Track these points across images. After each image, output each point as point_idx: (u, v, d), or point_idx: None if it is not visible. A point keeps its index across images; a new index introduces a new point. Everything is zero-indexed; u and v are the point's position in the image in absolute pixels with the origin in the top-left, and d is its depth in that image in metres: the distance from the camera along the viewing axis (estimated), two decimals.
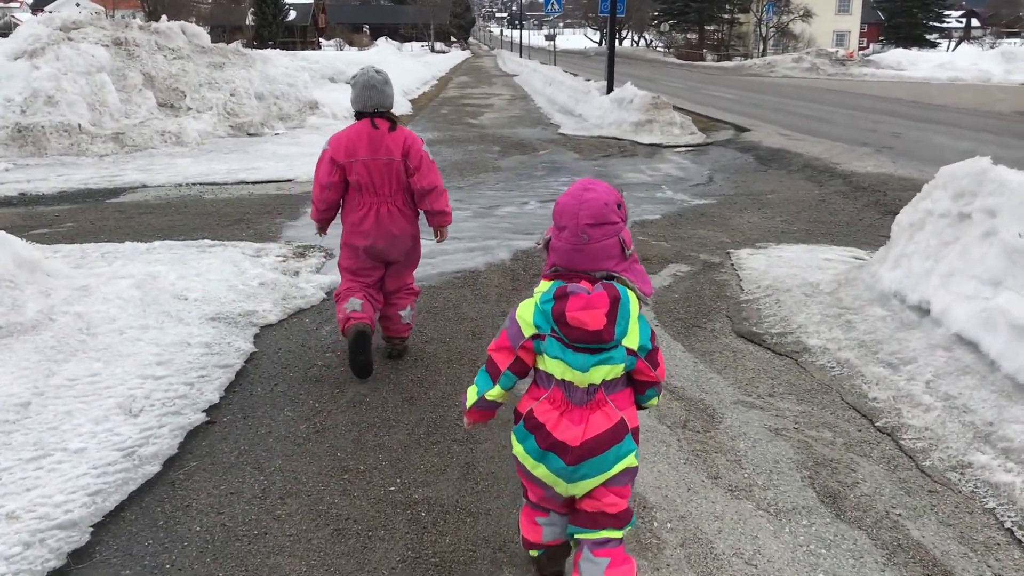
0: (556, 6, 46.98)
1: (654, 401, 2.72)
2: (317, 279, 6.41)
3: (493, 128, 18.66)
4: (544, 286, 2.59)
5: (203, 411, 4.21)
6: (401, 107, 22.09)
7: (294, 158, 12.88)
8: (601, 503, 2.62)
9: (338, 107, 18.09)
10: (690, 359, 5.13)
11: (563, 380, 2.55)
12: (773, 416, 4.33)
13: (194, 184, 11.02)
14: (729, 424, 4.24)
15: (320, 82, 22.55)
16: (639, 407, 2.71)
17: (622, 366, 2.54)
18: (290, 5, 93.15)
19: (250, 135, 15.52)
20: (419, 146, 4.66)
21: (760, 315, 5.86)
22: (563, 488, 2.62)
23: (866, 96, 29.42)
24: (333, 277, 6.49)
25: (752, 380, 4.81)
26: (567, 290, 2.49)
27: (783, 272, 6.81)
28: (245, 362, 4.89)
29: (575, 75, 31.88)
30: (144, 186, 10.88)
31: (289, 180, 11.37)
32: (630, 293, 2.56)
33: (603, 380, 2.54)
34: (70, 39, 14.23)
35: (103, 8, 75.07)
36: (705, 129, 17.77)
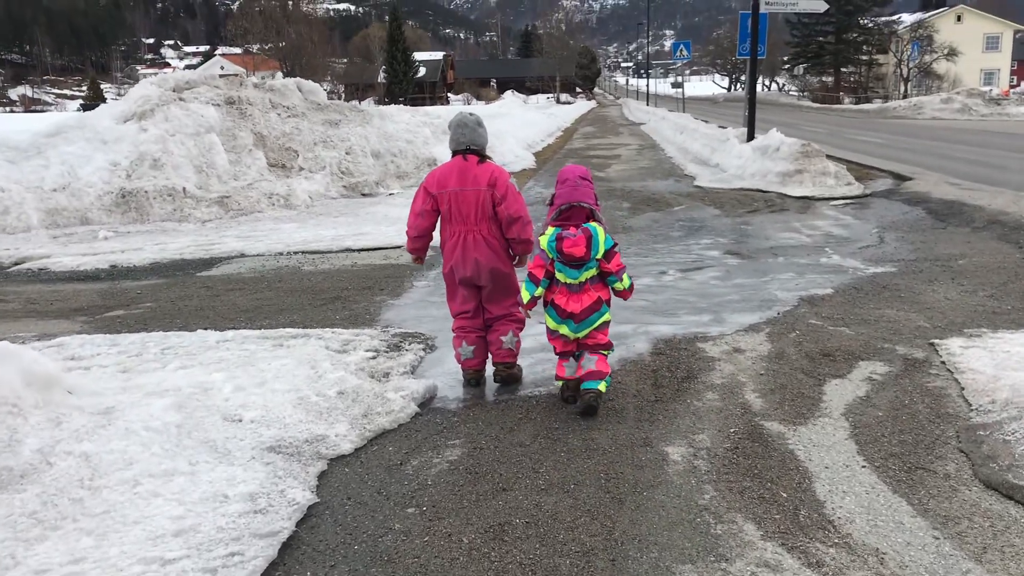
0: (685, 52, 45.63)
1: (618, 284, 4.81)
2: (410, 386, 5.09)
3: (621, 181, 17.26)
4: (550, 231, 4.67)
5: None
6: (524, 161, 21.00)
7: (406, 221, 11.77)
8: (595, 339, 4.80)
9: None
10: (925, 531, 3.50)
11: (566, 282, 4.72)
12: None
13: (295, 253, 10.03)
14: None
15: (441, 137, 21.69)
16: (613, 289, 4.84)
17: (595, 269, 4.71)
18: (420, 62, 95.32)
19: (364, 195, 14.63)
20: (505, 178, 5.06)
21: (1012, 450, 4.17)
22: (574, 336, 4.77)
23: None
24: (429, 382, 5.20)
25: None
26: (562, 235, 4.61)
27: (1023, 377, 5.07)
28: (297, 525, 3.58)
29: (706, 122, 30.20)
30: (242, 255, 9.96)
31: (398, 247, 10.22)
32: (599, 228, 4.66)
33: (587, 279, 4.70)
34: (181, 99, 13.72)
35: (244, 70, 78.40)
36: (859, 178, 15.83)
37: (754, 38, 17.19)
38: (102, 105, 14.17)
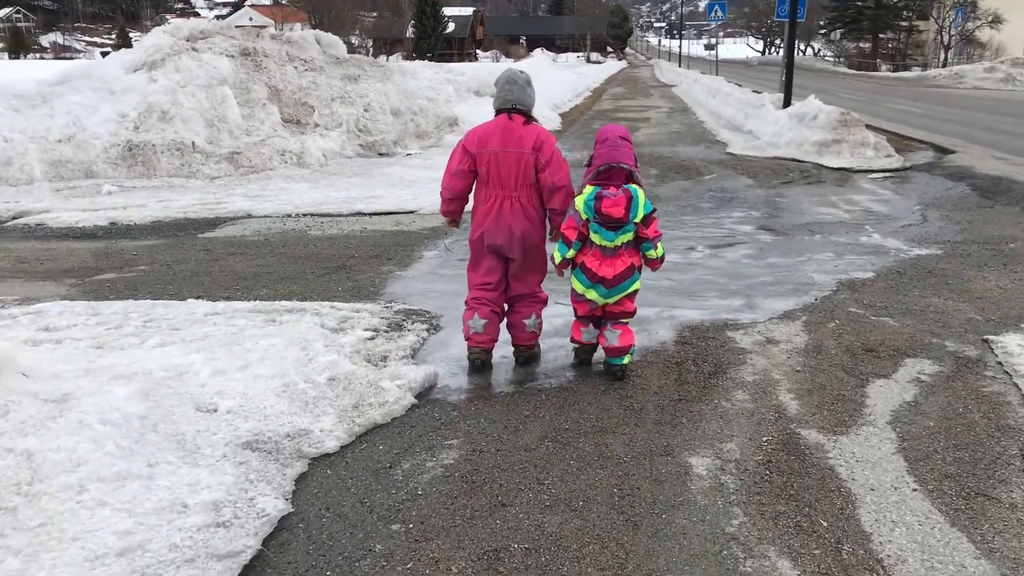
0: (720, 13, 44.40)
1: (651, 252, 4.59)
2: (408, 373, 4.62)
3: (650, 146, 16.61)
4: (588, 189, 4.44)
5: None
6: (549, 122, 20.33)
7: (421, 184, 11.28)
8: (622, 306, 4.64)
9: (480, 123, 16.46)
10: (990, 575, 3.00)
11: (600, 244, 4.48)
12: None
13: (303, 215, 9.55)
14: None
15: (465, 96, 21.11)
16: (645, 257, 4.62)
17: (632, 233, 4.47)
18: (449, 17, 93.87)
19: (381, 155, 14.10)
20: (552, 142, 4.68)
21: None
22: (603, 301, 4.60)
23: None
24: (429, 369, 4.72)
25: None
26: (602, 194, 4.36)
27: None
28: (265, 542, 3.13)
29: (739, 86, 29.27)
30: (248, 216, 9.50)
31: (411, 212, 9.75)
32: (639, 191, 4.43)
33: (623, 243, 4.47)
34: (195, 49, 13.20)
35: (273, 21, 77.42)
36: (899, 150, 15.05)
37: None
38: (112, 53, 13.67)
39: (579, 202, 4.44)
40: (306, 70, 14.63)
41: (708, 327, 5.68)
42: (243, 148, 11.98)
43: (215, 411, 3.94)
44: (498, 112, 4.70)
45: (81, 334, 5.05)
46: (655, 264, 4.67)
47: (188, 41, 13.43)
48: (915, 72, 59.06)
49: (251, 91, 13.19)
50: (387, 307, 5.99)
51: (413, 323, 5.59)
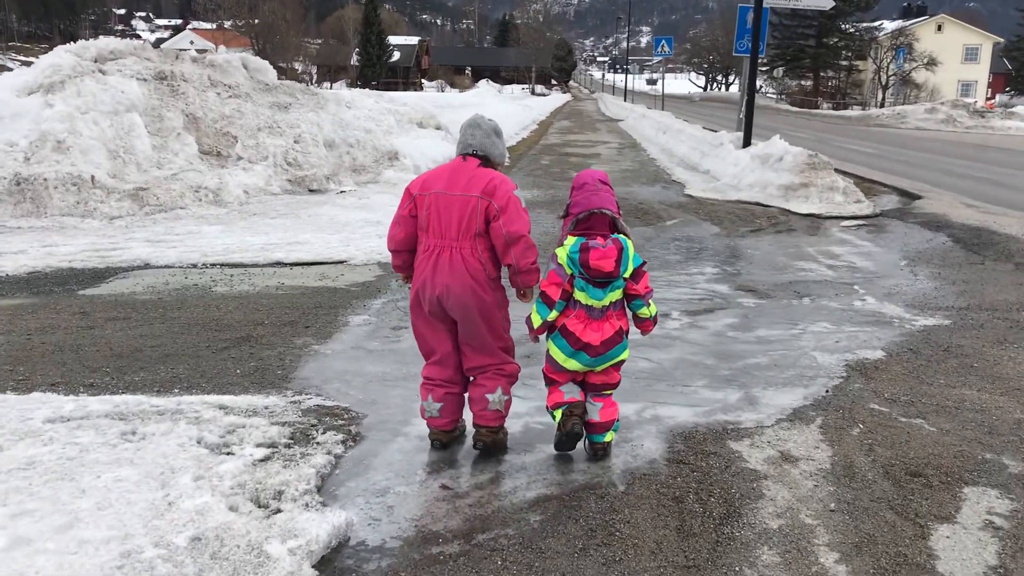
0: (667, 48, 44.12)
1: (644, 310, 3.96)
2: (308, 527, 3.28)
3: None
4: (570, 240, 3.82)
5: None
6: None
7: (354, 228, 9.98)
8: (607, 377, 4.00)
9: (423, 158, 15.19)
10: None
11: (587, 304, 3.82)
12: None
13: (212, 265, 8.17)
14: None
15: (407, 127, 19.82)
16: (635, 315, 3.99)
17: (621, 290, 3.86)
18: (395, 46, 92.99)
19: (312, 191, 12.74)
20: (509, 188, 3.92)
21: None
22: (585, 369, 3.93)
23: None
24: (339, 518, 3.41)
25: None
26: (588, 245, 3.75)
27: None
28: None
29: (687, 122, 28.52)
30: (145, 266, 8.09)
31: (340, 262, 8.44)
32: (628, 242, 3.83)
33: (611, 302, 3.84)
34: (102, 71, 11.75)
35: (215, 45, 75.28)
36: (864, 194, 14.22)
37: (755, 33, 15.51)
38: (5, 74, 12.13)
39: (562, 255, 3.84)
40: (230, 96, 13.25)
41: (705, 434, 4.47)
42: (151, 183, 10.53)
43: None
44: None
45: None
46: (647, 325, 4.07)
47: (96, 62, 11.98)
48: (857, 111, 59.65)
49: (164, 119, 11.76)
50: (294, 403, 4.67)
51: (325, 431, 4.27)
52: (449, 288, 3.83)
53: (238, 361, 5.44)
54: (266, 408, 4.51)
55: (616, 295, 3.86)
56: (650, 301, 4.00)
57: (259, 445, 3.98)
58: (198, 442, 3.92)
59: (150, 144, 11.24)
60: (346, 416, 4.54)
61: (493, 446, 4.11)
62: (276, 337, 5.99)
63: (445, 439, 4.17)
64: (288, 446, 4.04)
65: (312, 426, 4.33)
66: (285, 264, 8.29)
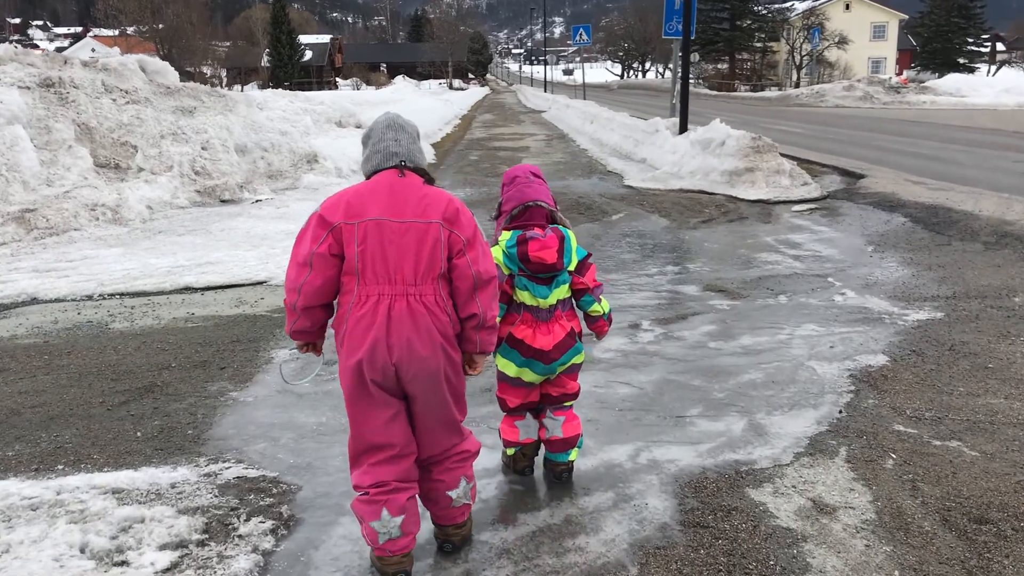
0: (585, 36, 43.58)
1: (595, 307, 3.58)
2: None
3: None
4: (505, 235, 3.44)
5: None
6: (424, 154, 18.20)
7: (274, 241, 8.97)
8: (564, 387, 3.60)
9: (344, 159, 14.19)
10: None
11: (532, 305, 3.45)
12: None
13: (110, 295, 7.11)
14: None
15: (325, 127, 18.77)
16: (587, 315, 3.61)
17: (567, 286, 3.48)
18: (306, 46, 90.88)
19: (224, 202, 11.64)
20: (470, 214, 2.96)
21: None
22: (541, 380, 3.54)
23: (959, 128, 25.29)
24: None
25: None
26: (527, 236, 3.37)
27: None
28: None
29: (612, 110, 27.95)
30: (33, 301, 6.99)
31: (260, 283, 7.46)
32: (570, 232, 3.48)
33: (558, 300, 3.46)
34: None
35: (118, 52, 72.24)
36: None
37: (687, 14, 14.90)
38: None
39: (497, 253, 3.42)
40: (128, 103, 12.06)
41: (717, 482, 3.69)
42: (39, 204, 9.35)
43: None
44: (374, 173, 2.96)
45: None
46: (602, 325, 3.69)
47: None
48: (775, 92, 60.08)
49: (53, 131, 10.54)
50: (208, 476, 3.74)
51: (249, 516, 3.36)
52: (413, 352, 2.81)
53: (139, 420, 4.47)
54: (173, 488, 3.58)
55: (563, 292, 3.50)
56: (601, 297, 3.64)
57: (163, 547, 3.06)
58: (81, 550, 2.99)
59: (37, 159, 10.03)
60: (275, 491, 3.63)
61: (464, 541, 3.25)
62: (185, 384, 5.02)
63: (409, 567, 3.01)
64: (202, 543, 3.12)
65: (232, 510, 3.41)
66: (195, 289, 7.27)
